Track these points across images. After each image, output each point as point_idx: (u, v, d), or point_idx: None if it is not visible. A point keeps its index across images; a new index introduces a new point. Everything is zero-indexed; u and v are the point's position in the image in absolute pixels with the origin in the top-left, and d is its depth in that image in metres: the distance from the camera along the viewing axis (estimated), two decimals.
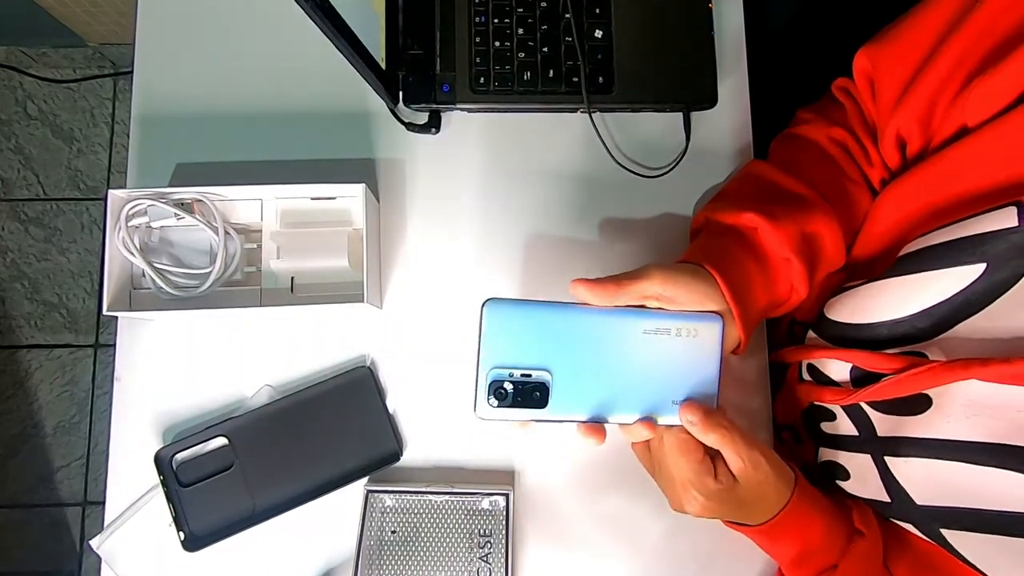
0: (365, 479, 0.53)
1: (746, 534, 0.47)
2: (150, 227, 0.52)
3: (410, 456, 0.54)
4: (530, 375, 0.39)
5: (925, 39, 0.43)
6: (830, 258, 0.49)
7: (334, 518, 0.53)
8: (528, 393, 0.38)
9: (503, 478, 0.53)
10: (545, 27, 0.56)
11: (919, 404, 0.39)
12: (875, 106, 0.49)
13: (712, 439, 0.40)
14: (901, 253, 0.42)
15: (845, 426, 0.46)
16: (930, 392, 0.38)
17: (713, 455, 0.42)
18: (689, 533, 0.53)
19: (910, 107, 0.44)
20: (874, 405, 0.43)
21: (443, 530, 0.51)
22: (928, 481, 0.39)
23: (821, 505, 0.45)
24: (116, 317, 0.52)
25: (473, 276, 0.56)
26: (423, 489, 0.51)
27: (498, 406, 0.38)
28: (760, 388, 0.55)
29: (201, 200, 0.52)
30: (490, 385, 0.38)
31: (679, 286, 0.41)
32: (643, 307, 0.41)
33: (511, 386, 0.38)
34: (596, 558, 0.53)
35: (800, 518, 0.44)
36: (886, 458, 0.42)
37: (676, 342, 0.41)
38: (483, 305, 0.39)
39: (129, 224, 0.51)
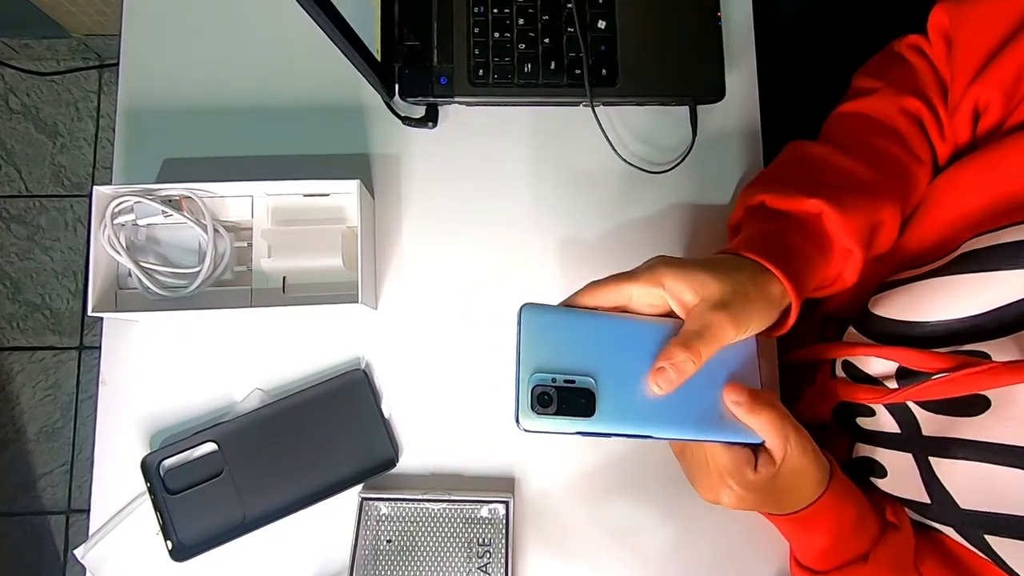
0: (360, 486, 0.53)
1: (775, 523, 0.47)
2: (136, 225, 0.52)
3: (406, 462, 0.54)
4: (574, 381, 0.37)
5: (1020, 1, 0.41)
6: (881, 247, 0.47)
7: (327, 527, 0.53)
8: (574, 400, 0.37)
9: (503, 485, 0.54)
10: (546, 17, 0.56)
11: (975, 405, 0.39)
12: (951, 69, 0.47)
13: (759, 421, 0.39)
14: (968, 249, 0.41)
15: (885, 422, 0.46)
16: (989, 393, 0.38)
17: (755, 444, 0.41)
18: (695, 542, 0.53)
19: (995, 74, 0.42)
20: (922, 404, 0.43)
21: (440, 539, 0.51)
22: (976, 485, 0.39)
23: (855, 496, 0.45)
24: (101, 318, 0.52)
25: (472, 276, 0.56)
26: (420, 497, 0.51)
27: (542, 414, 0.36)
28: (771, 388, 0.55)
29: (189, 197, 0.52)
30: (533, 391, 0.36)
31: (747, 325, 0.38)
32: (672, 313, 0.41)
33: (555, 392, 0.36)
34: (598, 568, 0.53)
35: (834, 508, 0.43)
36: (930, 458, 0.41)
37: (716, 354, 0.40)
38: (519, 310, 0.38)
39: (115, 222, 0.51)
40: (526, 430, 0.36)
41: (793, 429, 0.40)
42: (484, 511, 0.51)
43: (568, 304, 0.40)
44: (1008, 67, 0.41)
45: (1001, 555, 0.38)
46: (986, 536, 0.39)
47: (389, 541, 0.51)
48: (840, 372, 0.50)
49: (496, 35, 0.56)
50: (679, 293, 0.38)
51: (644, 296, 0.39)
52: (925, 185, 0.49)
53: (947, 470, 0.40)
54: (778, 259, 0.40)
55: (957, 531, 0.41)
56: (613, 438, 0.38)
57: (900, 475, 0.44)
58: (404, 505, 0.51)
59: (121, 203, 0.51)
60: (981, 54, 0.43)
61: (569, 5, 0.56)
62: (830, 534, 0.44)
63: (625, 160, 0.57)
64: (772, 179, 0.49)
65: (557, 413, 0.36)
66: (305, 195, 0.54)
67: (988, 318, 0.39)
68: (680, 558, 0.53)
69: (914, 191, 0.48)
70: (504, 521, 0.51)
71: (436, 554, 0.51)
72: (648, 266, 0.39)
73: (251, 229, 0.54)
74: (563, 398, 0.37)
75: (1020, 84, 0.41)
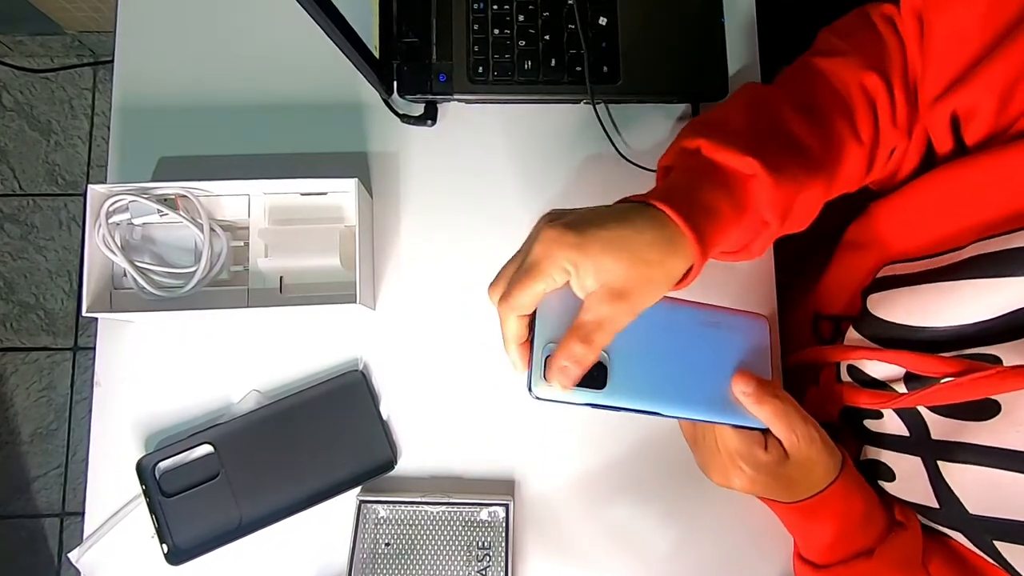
0: (358, 489, 0.52)
1: (782, 512, 0.47)
2: (132, 224, 0.52)
3: (405, 465, 0.54)
4: None
5: None
6: (795, 225, 0.45)
7: (325, 530, 0.53)
8: (586, 372, 0.38)
9: (503, 488, 0.53)
10: (547, 14, 0.56)
11: (985, 409, 0.39)
12: (921, 57, 0.45)
13: (765, 411, 0.40)
14: (977, 252, 0.40)
15: (893, 425, 0.46)
16: (999, 398, 0.38)
17: (763, 428, 0.42)
18: (697, 544, 0.53)
19: (985, 79, 0.40)
20: (931, 407, 0.43)
21: (440, 542, 0.51)
22: (985, 490, 0.39)
23: (864, 490, 0.45)
24: (96, 319, 0.52)
25: (471, 275, 0.56)
26: (419, 499, 0.51)
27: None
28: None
29: (185, 195, 0.52)
30: (547, 360, 0.37)
31: (594, 267, 0.35)
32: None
33: None
34: (600, 571, 0.53)
35: (842, 499, 0.44)
36: (939, 463, 0.41)
37: (728, 338, 0.41)
38: None
39: (110, 221, 0.51)
40: (538, 397, 0.38)
41: (800, 421, 0.40)
42: (484, 514, 0.51)
43: (509, 344, 0.38)
44: (1001, 71, 0.40)
45: (1011, 561, 0.39)
46: (995, 542, 0.39)
47: (387, 544, 0.51)
48: (845, 376, 0.50)
49: (496, 32, 0.56)
50: (582, 279, 0.35)
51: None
52: (856, 169, 0.46)
53: (956, 475, 0.40)
54: (695, 223, 0.37)
55: (966, 536, 0.42)
56: (622, 412, 0.39)
57: (908, 479, 0.45)
58: (403, 508, 0.51)
59: (116, 202, 0.51)
60: (965, 53, 0.42)
61: (570, 1, 0.56)
62: (837, 526, 0.44)
63: (627, 158, 0.57)
64: (715, 124, 0.44)
65: None
66: (302, 194, 0.54)
67: (998, 323, 0.38)
68: (682, 561, 0.53)
69: (842, 171, 0.45)
70: (504, 524, 0.51)
71: (435, 557, 0.51)
72: (545, 252, 0.35)
73: (248, 228, 0.54)
74: None
75: (1017, 88, 0.39)
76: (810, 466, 0.42)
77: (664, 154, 0.47)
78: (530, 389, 0.38)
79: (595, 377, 0.38)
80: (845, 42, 0.48)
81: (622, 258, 0.35)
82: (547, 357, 0.38)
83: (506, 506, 0.51)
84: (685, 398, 0.40)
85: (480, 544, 0.51)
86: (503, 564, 0.50)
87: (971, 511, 0.40)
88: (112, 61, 0.59)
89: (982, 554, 0.41)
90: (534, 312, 0.38)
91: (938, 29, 0.44)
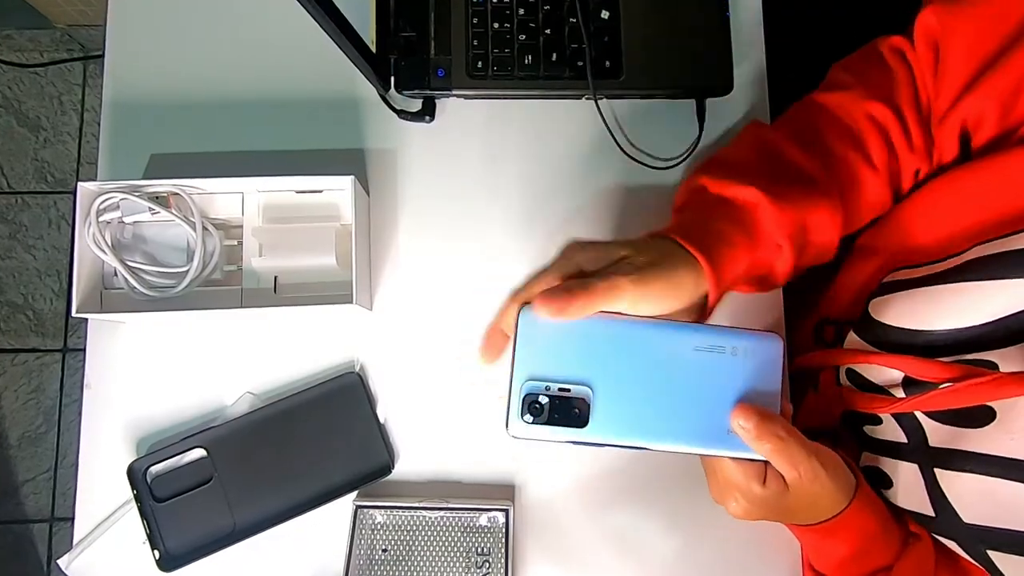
0: (354, 494, 0.52)
1: (793, 531, 0.47)
2: (123, 222, 0.52)
3: (402, 469, 0.54)
4: (569, 390, 0.38)
5: (1020, 5, 0.41)
6: (819, 252, 0.48)
7: (320, 535, 0.53)
8: (567, 410, 0.37)
9: (502, 493, 0.53)
10: (548, 7, 0.56)
11: (980, 416, 0.39)
12: (935, 80, 0.47)
13: (765, 448, 0.38)
14: (975, 256, 0.41)
15: (892, 431, 0.46)
16: (995, 405, 0.38)
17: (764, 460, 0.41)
18: (701, 551, 0.53)
19: (990, 86, 0.41)
20: (929, 414, 0.43)
21: (438, 548, 0.51)
22: (979, 499, 0.39)
23: (879, 509, 0.45)
24: (86, 319, 0.52)
25: (470, 275, 0.56)
26: (416, 504, 0.51)
27: (532, 423, 0.37)
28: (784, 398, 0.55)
29: (178, 193, 0.52)
30: (524, 399, 0.37)
31: (652, 289, 0.39)
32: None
33: (547, 401, 0.37)
34: None
35: (857, 519, 0.43)
36: (935, 470, 0.42)
37: (732, 362, 0.39)
38: (518, 313, 0.38)
39: (100, 219, 0.51)
40: (514, 436, 0.38)
41: (804, 456, 0.39)
42: (483, 519, 0.51)
43: (502, 330, 0.39)
44: (1004, 78, 0.41)
45: (1004, 572, 0.39)
46: (988, 552, 0.39)
47: (384, 550, 0.51)
48: (845, 380, 0.50)
49: (495, 25, 0.56)
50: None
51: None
52: (878, 194, 0.49)
53: (951, 483, 0.41)
54: (707, 253, 0.41)
55: (960, 545, 0.42)
56: (607, 447, 0.38)
57: (906, 486, 0.45)
58: (400, 513, 0.51)
59: (106, 200, 0.51)
60: (972, 63, 0.43)
61: None
62: (852, 544, 0.44)
63: (629, 155, 0.57)
64: (719, 163, 0.50)
65: (548, 423, 0.37)
66: (297, 192, 0.54)
67: (996, 327, 0.39)
68: (686, 567, 0.53)
69: (860, 198, 0.48)
70: (504, 530, 0.51)
71: (433, 564, 0.51)
72: (612, 279, 0.38)
73: (241, 227, 0.54)
74: (555, 407, 0.37)
75: (1020, 94, 0.40)
76: (814, 499, 0.41)
77: (676, 194, 0.52)
78: (507, 427, 0.37)
79: (576, 415, 0.37)
80: (852, 76, 0.51)
81: (657, 287, 0.39)
82: (524, 396, 0.37)
83: (506, 511, 0.51)
84: (676, 430, 0.38)
85: (479, 550, 0.51)
86: (503, 571, 0.50)
87: (966, 520, 0.40)
88: (102, 56, 0.59)
89: (977, 563, 0.41)
90: (514, 345, 0.38)
91: (952, 50, 0.45)
